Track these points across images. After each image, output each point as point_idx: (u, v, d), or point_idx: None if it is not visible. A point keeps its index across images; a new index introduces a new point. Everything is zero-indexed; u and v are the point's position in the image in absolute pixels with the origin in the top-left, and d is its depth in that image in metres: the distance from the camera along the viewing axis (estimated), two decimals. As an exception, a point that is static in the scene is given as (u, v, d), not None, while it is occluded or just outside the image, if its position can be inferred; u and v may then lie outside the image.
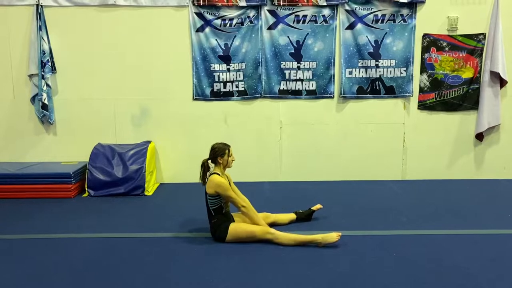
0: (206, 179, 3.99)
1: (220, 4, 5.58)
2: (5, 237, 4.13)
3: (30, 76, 5.66)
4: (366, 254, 3.69)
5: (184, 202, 5.10)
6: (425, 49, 5.73)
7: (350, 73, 5.78)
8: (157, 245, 3.91)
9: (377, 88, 5.81)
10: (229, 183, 4.05)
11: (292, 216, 4.38)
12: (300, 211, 4.43)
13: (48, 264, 3.59)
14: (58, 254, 3.77)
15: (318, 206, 4.46)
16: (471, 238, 4.00)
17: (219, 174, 3.96)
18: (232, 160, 4.08)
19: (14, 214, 4.77)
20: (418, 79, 5.80)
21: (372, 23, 5.66)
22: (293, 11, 5.65)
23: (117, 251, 3.81)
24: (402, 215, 4.61)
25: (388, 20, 5.67)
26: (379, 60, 5.74)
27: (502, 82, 5.68)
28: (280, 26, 5.68)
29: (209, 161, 4.04)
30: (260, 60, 5.76)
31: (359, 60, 5.75)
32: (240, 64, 5.75)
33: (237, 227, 3.90)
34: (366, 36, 5.68)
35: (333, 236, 3.78)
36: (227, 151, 4.01)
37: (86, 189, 5.40)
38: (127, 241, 4.02)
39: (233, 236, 3.88)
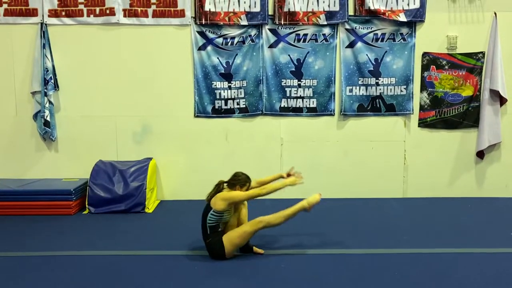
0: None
1: (222, 23, 5.65)
2: (5, 255, 4.11)
3: (33, 93, 5.70)
4: (367, 273, 3.67)
5: (185, 219, 5.08)
6: (425, 67, 5.77)
7: (351, 91, 5.82)
8: (157, 263, 3.89)
9: (378, 105, 5.84)
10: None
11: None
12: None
13: (47, 282, 3.57)
14: (58, 271, 3.75)
15: (260, 251, 4.12)
16: (473, 257, 3.98)
17: None
18: None
19: (14, 231, 4.76)
20: (418, 97, 5.82)
21: (372, 41, 5.72)
22: (294, 30, 5.71)
23: (117, 269, 3.79)
24: (403, 233, 4.59)
25: (388, 38, 5.72)
26: (379, 78, 5.78)
27: (502, 100, 5.70)
28: (281, 44, 5.74)
29: (225, 184, 4.08)
30: (261, 77, 5.80)
31: (360, 78, 5.79)
32: (241, 81, 5.80)
33: (229, 236, 3.90)
34: (366, 55, 5.74)
35: (315, 197, 4.09)
36: (248, 184, 4.09)
37: (87, 206, 5.38)
38: (127, 259, 4.00)
39: (230, 245, 3.87)
